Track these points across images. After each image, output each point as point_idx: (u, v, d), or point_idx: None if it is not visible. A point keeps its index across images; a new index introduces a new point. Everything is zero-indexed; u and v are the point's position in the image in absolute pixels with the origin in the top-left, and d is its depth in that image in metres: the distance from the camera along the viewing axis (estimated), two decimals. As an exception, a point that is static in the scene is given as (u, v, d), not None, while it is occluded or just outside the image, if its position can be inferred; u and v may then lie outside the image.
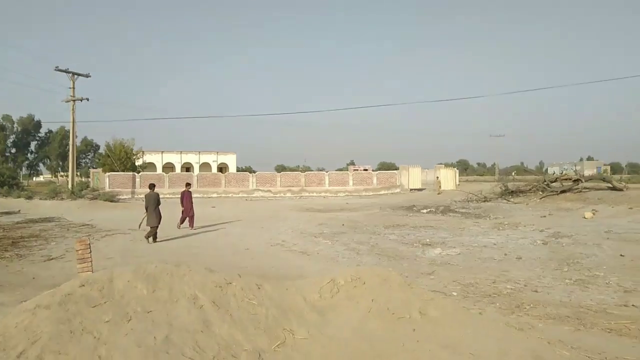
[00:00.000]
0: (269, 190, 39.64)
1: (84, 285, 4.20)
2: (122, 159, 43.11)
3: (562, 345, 4.56)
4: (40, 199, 29.02)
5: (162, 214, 13.10)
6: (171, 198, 37.52)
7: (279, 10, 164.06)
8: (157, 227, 12.76)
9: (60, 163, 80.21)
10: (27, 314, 3.73)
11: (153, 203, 12.83)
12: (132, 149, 45.25)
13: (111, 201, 29.26)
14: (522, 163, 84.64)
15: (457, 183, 44.54)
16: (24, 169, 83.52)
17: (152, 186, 13.49)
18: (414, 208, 24.03)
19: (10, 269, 9.23)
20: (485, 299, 6.82)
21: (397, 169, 44.97)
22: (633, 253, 10.16)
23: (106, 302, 4.12)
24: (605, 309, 6.21)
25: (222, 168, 61.60)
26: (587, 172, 37.68)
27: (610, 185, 23.33)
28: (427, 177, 43.48)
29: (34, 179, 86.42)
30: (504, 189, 27.80)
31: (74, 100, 33.91)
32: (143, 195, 14.66)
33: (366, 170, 46.53)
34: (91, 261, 5.82)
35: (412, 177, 41.56)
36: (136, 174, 40.21)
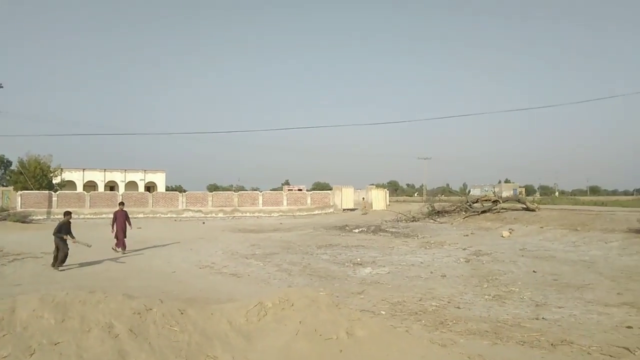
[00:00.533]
0: (200, 210, 38.42)
1: (-23, 318, 3.78)
2: (37, 177, 40.45)
3: (481, 360, 4.78)
4: (-64, 220, 25.87)
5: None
6: (92, 219, 35.59)
7: (206, 22, 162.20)
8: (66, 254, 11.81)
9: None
10: None
11: (67, 229, 12.04)
12: (49, 166, 42.51)
13: (23, 222, 26.98)
14: (447, 185, 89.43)
15: (388, 203, 46.01)
16: None
17: (67, 213, 12.71)
18: (347, 228, 24.44)
19: None
20: (412, 316, 7.01)
21: (331, 189, 45.66)
22: (544, 269, 11.11)
23: (5, 335, 3.75)
24: (520, 322, 6.63)
25: (150, 187, 58.98)
26: (505, 194, 40.60)
27: (525, 206, 25.36)
28: (359, 198, 44.61)
29: None
30: (431, 209, 29.32)
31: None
32: (60, 217, 13.53)
33: (300, 190, 46.81)
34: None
35: (345, 197, 42.40)
36: (53, 192, 37.34)
